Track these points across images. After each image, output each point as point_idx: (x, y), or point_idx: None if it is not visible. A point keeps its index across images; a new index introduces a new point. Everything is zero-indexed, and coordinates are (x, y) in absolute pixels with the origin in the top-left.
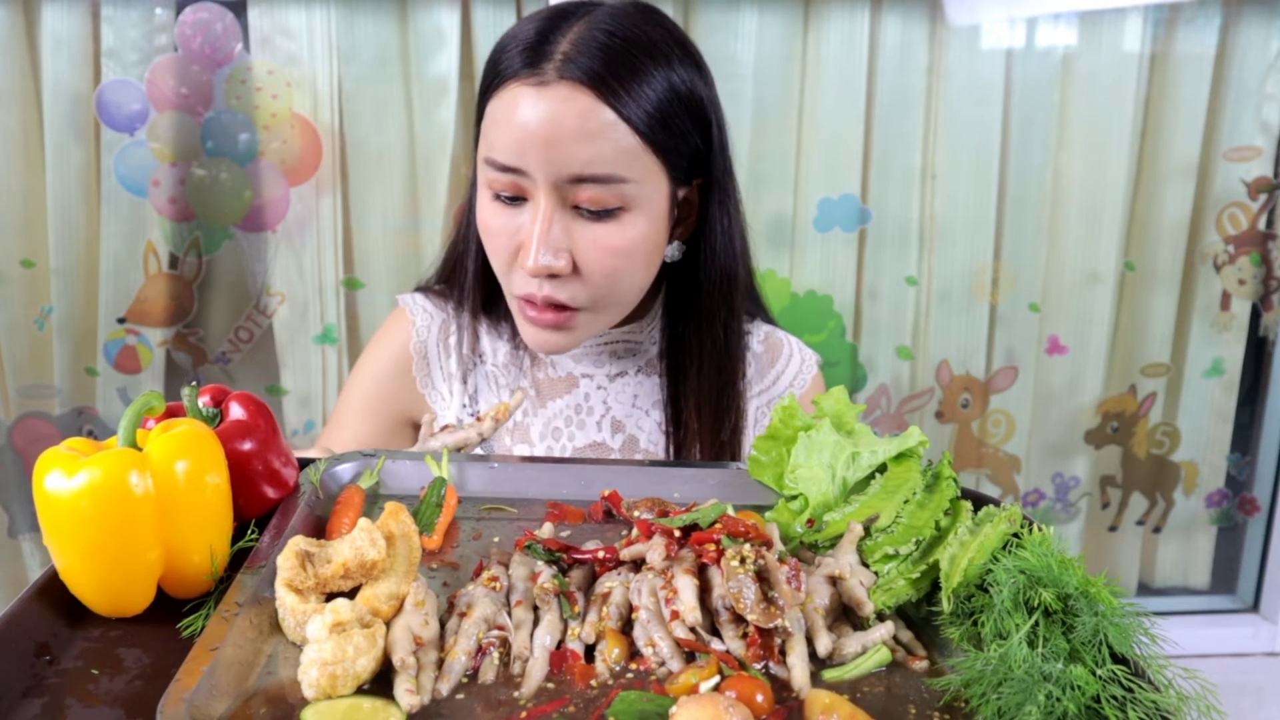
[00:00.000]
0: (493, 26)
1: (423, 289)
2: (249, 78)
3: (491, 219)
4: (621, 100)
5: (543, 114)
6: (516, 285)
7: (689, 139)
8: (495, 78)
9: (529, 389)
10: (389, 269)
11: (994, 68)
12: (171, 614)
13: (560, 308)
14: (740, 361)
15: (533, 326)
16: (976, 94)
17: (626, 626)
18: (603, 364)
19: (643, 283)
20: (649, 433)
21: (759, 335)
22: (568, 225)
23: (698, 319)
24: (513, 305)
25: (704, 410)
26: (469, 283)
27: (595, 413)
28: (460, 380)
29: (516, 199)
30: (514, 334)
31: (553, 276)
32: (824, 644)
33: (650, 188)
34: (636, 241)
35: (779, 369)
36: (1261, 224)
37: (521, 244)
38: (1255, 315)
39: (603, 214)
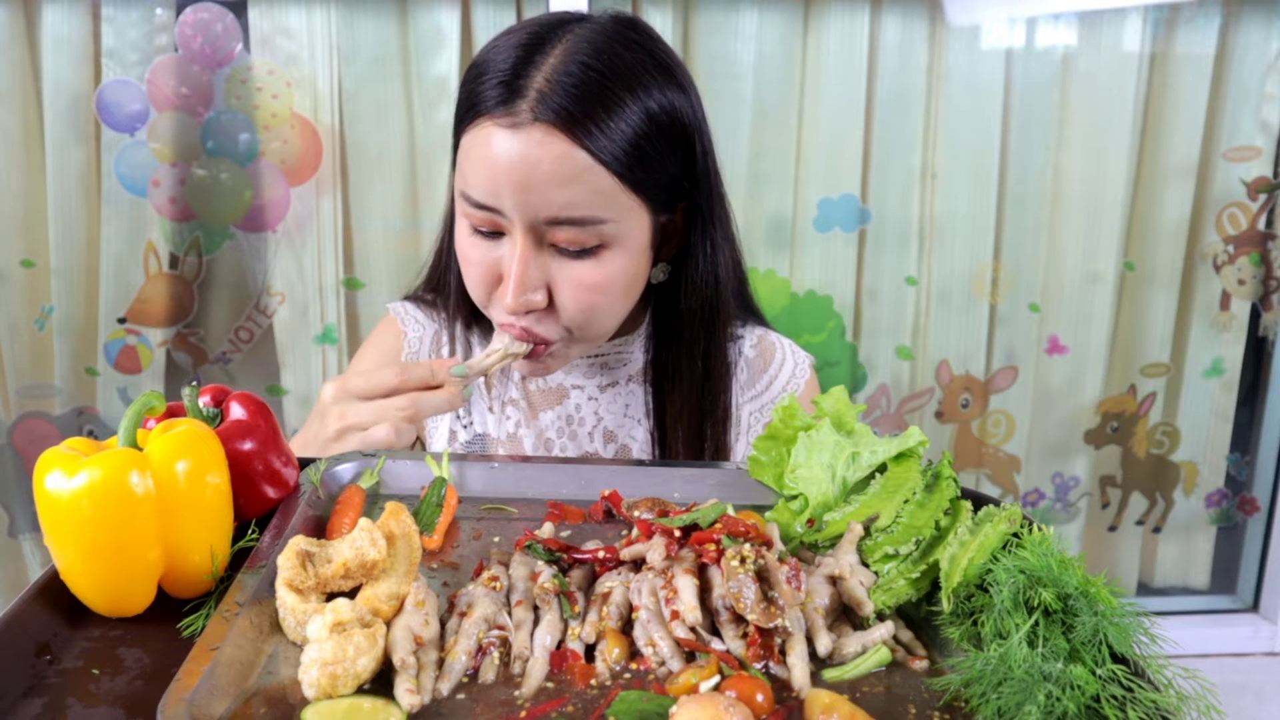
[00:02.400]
0: (493, 27)
1: (412, 298)
2: (249, 78)
3: (470, 250)
4: (597, 142)
5: (516, 157)
6: (495, 315)
7: (668, 169)
8: (469, 110)
9: (519, 400)
10: (389, 269)
11: (994, 68)
12: (171, 614)
13: (536, 339)
14: (723, 384)
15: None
16: (976, 94)
17: (626, 626)
18: (593, 375)
19: (621, 312)
20: (641, 442)
21: (751, 339)
22: (545, 263)
23: (678, 345)
24: (500, 329)
25: (687, 430)
26: (453, 297)
27: (587, 424)
28: None
29: (494, 233)
30: None
31: (530, 311)
32: (824, 644)
33: (630, 224)
34: (615, 276)
35: (771, 374)
36: (1261, 224)
37: (501, 276)
38: (1255, 315)
39: (581, 252)
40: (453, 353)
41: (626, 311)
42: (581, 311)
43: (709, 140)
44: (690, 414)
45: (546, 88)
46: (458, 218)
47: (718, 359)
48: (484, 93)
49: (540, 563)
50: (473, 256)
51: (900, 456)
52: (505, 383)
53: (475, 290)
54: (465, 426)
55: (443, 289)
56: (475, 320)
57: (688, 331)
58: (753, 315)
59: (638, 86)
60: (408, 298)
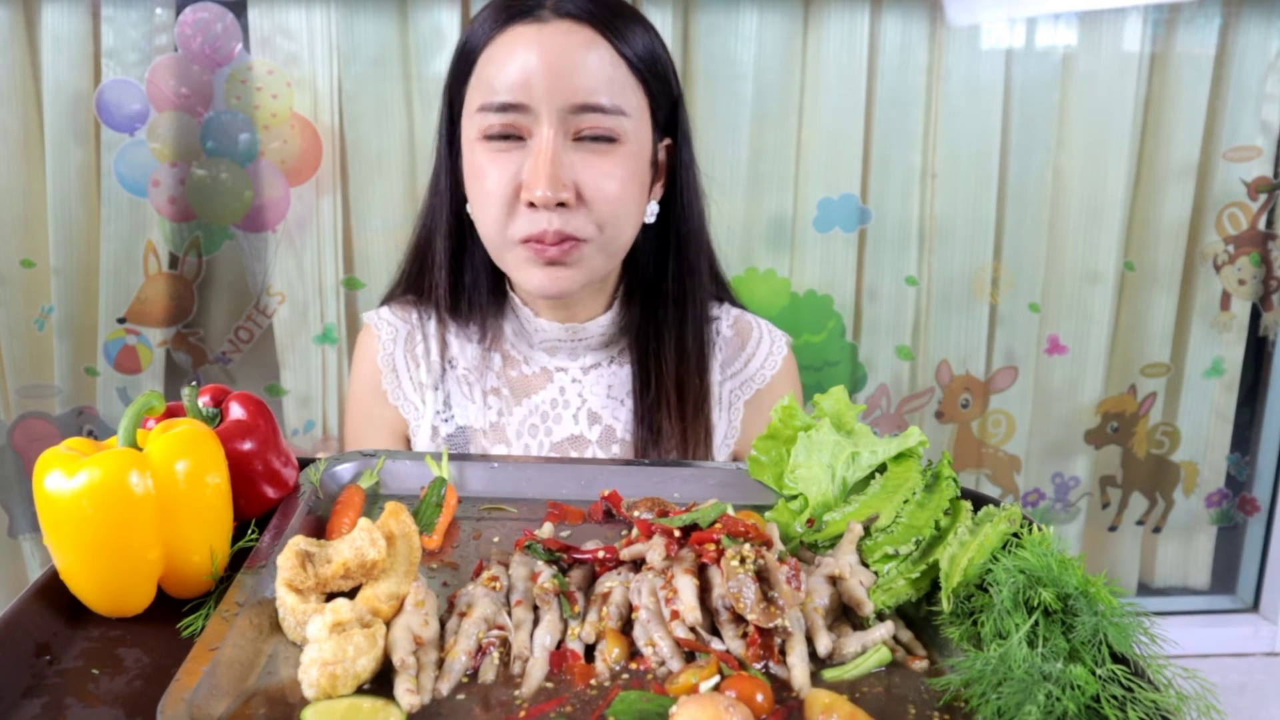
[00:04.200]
0: None
1: (387, 300)
2: (249, 78)
3: (487, 165)
4: (617, 35)
5: (547, 46)
6: (519, 228)
7: (668, 90)
8: (485, 34)
9: (501, 388)
10: (389, 269)
11: (994, 68)
12: (171, 614)
13: (567, 238)
14: (705, 318)
15: (539, 266)
16: (976, 94)
17: (626, 626)
18: (576, 357)
19: (634, 226)
20: (625, 422)
21: (728, 319)
22: (571, 159)
23: (680, 268)
24: (512, 256)
25: (671, 401)
26: (441, 272)
27: (571, 405)
28: (432, 388)
29: (511, 138)
30: (484, 335)
31: (560, 206)
32: (824, 644)
33: (640, 126)
34: (630, 175)
35: (749, 351)
36: (1261, 224)
37: (523, 183)
38: (1255, 315)
39: (601, 146)
40: (427, 349)
41: (634, 228)
42: (609, 203)
43: (687, 114)
44: (674, 383)
45: None
46: (472, 148)
47: (703, 288)
48: (496, 17)
49: (540, 563)
50: (491, 172)
51: (900, 456)
52: (486, 373)
53: (492, 210)
54: (446, 420)
55: (426, 264)
56: (453, 314)
57: (678, 254)
58: (728, 295)
59: (639, 18)
60: (383, 302)
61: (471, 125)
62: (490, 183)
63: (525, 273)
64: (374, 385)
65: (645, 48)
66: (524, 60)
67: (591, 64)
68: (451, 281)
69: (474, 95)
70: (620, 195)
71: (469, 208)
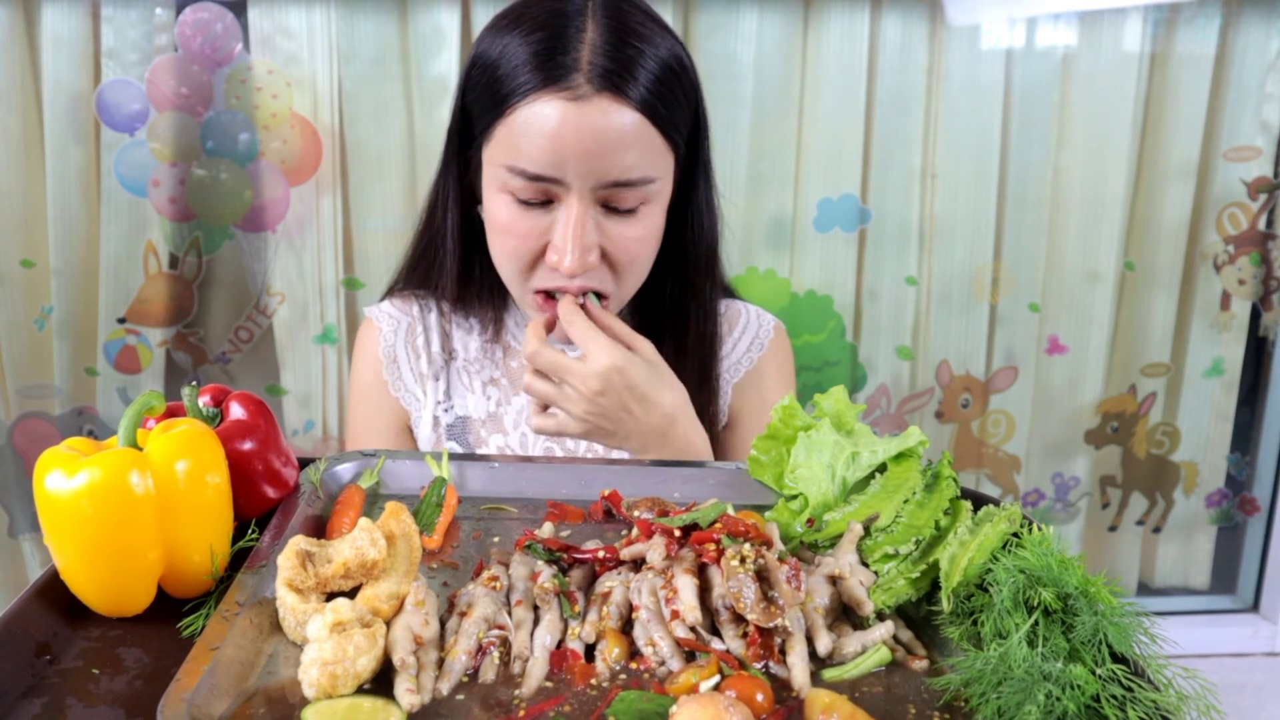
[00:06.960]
0: None
1: (389, 295)
2: (249, 78)
3: (514, 222)
4: (647, 102)
5: (584, 128)
6: (539, 280)
7: (688, 118)
8: (516, 88)
9: (501, 379)
10: (389, 269)
11: (994, 68)
12: (171, 614)
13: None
14: (710, 316)
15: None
16: (976, 94)
17: (626, 626)
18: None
19: (650, 265)
20: None
21: (720, 309)
22: (598, 222)
23: (682, 289)
24: (528, 298)
25: (685, 381)
26: (449, 269)
27: None
28: (433, 379)
29: (541, 204)
30: (484, 327)
31: (585, 270)
32: (824, 644)
33: (667, 181)
34: (654, 229)
35: (736, 336)
36: (1261, 224)
37: (550, 243)
38: (1255, 315)
39: (628, 209)
40: (428, 343)
41: (650, 266)
42: (631, 264)
43: (708, 143)
44: (692, 361)
45: (595, 58)
46: (494, 194)
47: (716, 299)
48: (528, 73)
49: (540, 563)
50: (519, 228)
51: (900, 456)
52: (486, 364)
53: (514, 262)
54: (446, 410)
55: (434, 266)
56: (457, 307)
57: (694, 271)
58: (726, 293)
59: (656, 40)
60: (385, 296)
61: (496, 174)
62: (514, 240)
63: (539, 315)
64: (376, 376)
65: (666, 90)
66: (559, 138)
67: (628, 140)
68: (459, 278)
69: (501, 148)
70: (642, 253)
71: (491, 250)
